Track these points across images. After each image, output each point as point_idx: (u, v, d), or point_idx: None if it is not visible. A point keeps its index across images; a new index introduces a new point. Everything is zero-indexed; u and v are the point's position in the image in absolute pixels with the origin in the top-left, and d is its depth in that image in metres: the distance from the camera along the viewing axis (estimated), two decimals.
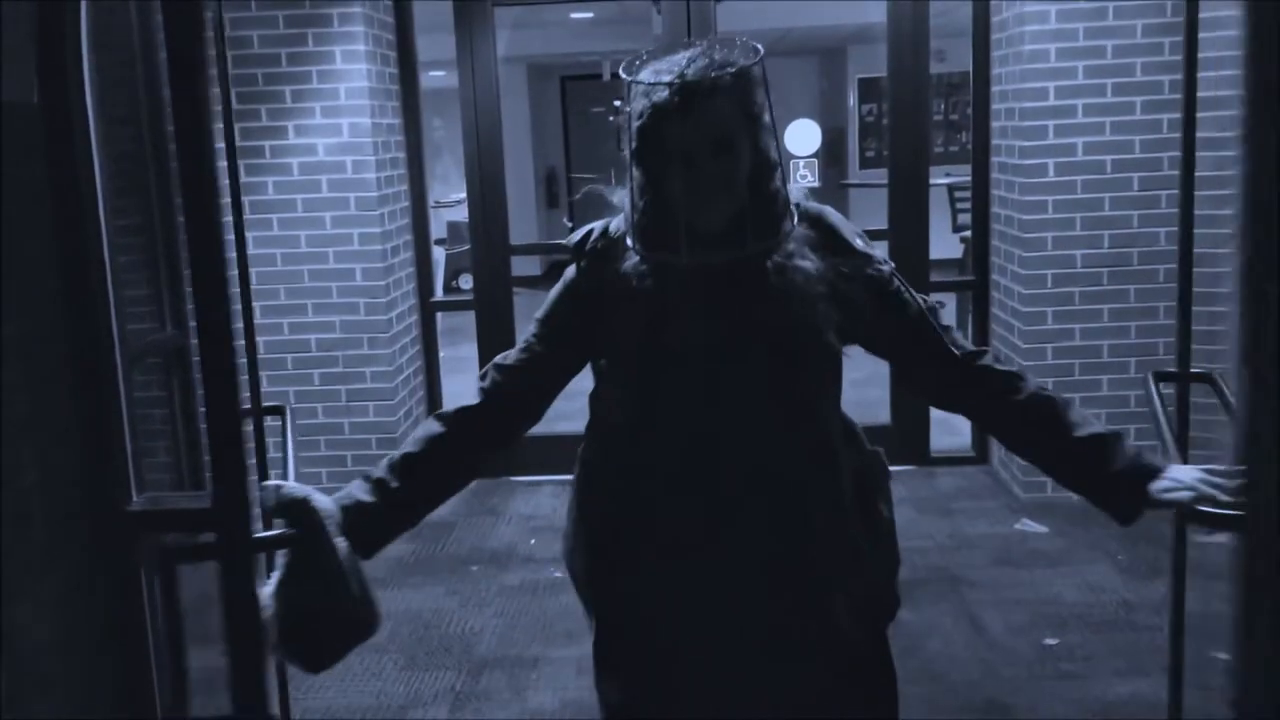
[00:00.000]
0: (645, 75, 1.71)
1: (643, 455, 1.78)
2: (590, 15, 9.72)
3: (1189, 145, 2.13)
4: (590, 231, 1.82)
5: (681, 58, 1.70)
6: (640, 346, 1.72)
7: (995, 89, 4.95)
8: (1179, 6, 4.43)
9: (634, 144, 1.72)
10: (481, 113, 5.27)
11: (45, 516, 2.20)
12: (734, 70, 1.68)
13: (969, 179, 5.27)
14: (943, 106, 11.91)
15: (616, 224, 1.80)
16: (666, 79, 1.66)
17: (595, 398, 1.88)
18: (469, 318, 5.50)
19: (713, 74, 1.65)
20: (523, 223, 11.81)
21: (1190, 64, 2.09)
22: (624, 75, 1.72)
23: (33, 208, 2.14)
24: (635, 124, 1.71)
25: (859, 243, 1.79)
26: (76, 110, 2.19)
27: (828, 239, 1.78)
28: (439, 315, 5.62)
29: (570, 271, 1.84)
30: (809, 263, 1.72)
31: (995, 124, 4.97)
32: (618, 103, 1.75)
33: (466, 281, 10.17)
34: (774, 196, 1.73)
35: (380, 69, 4.87)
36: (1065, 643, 3.54)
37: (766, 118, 1.72)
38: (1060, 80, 4.54)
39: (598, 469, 1.89)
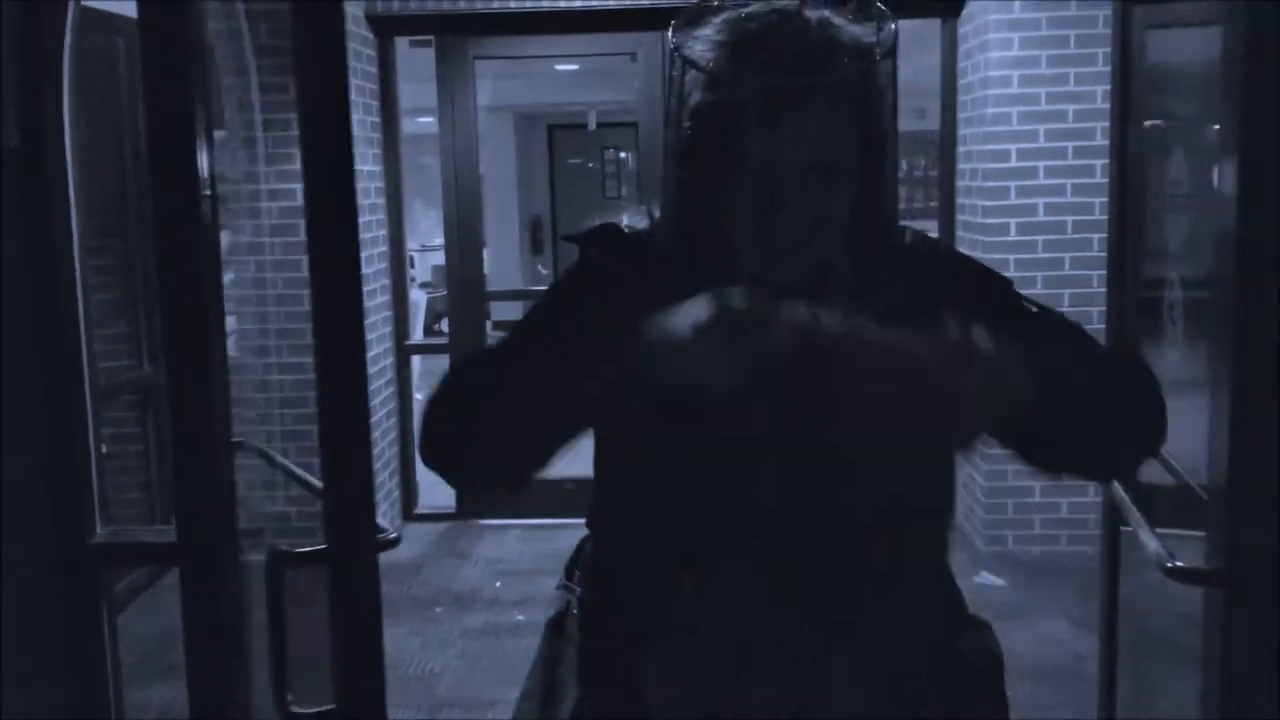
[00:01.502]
0: (705, 45, 1.12)
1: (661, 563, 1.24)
2: (575, 67, 9.90)
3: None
4: (607, 225, 1.28)
5: (768, 12, 1.12)
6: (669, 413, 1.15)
7: (960, 149, 5.10)
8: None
9: (681, 143, 1.16)
10: (460, 161, 5.39)
11: (10, 547, 2.26)
12: (858, 55, 1.11)
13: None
14: (923, 163, 12.12)
15: (634, 221, 1.27)
16: (745, 65, 1.09)
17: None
18: (446, 361, 5.59)
19: (823, 63, 1.09)
20: (506, 269, 11.92)
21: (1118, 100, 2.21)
22: (672, 38, 1.14)
23: (6, 247, 2.22)
24: (685, 119, 1.15)
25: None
26: (54, 153, 2.29)
27: (947, 272, 1.27)
28: (416, 359, 5.70)
29: (573, 266, 1.30)
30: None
31: (960, 184, 5.11)
32: (673, 74, 1.17)
33: (447, 325, 10.27)
34: (882, 239, 1.21)
35: (362, 117, 4.99)
36: (1015, 692, 3.58)
37: (891, 121, 1.16)
38: (1022, 143, 4.68)
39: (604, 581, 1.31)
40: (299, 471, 3.64)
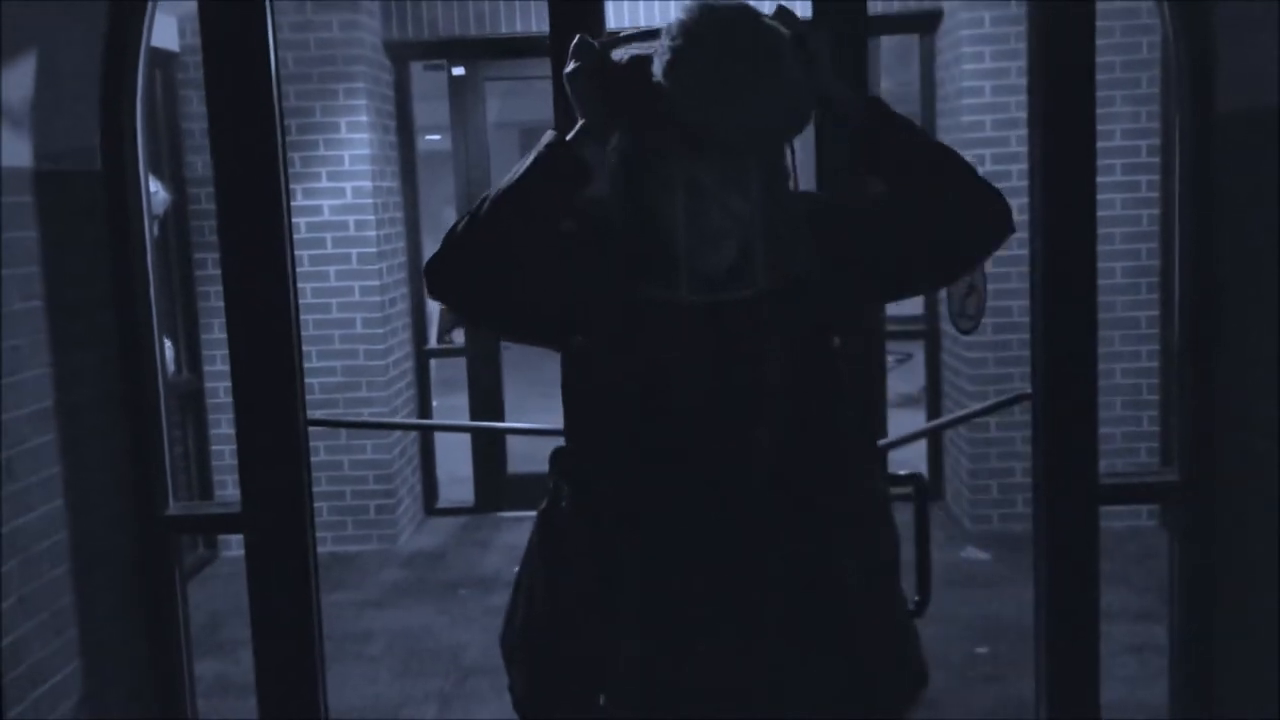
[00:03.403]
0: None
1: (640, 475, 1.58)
2: None
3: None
4: None
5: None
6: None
7: None
8: (1104, 81, 4.91)
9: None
10: (473, 175, 5.76)
11: (97, 518, 2.61)
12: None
13: None
14: None
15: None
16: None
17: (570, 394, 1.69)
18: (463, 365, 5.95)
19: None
20: None
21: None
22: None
23: (89, 262, 2.57)
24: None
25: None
26: (132, 175, 2.64)
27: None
28: (434, 364, 6.05)
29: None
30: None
31: None
32: None
33: (460, 336, 10.59)
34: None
35: (381, 137, 5.35)
36: (994, 651, 3.93)
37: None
38: (995, 148, 5.02)
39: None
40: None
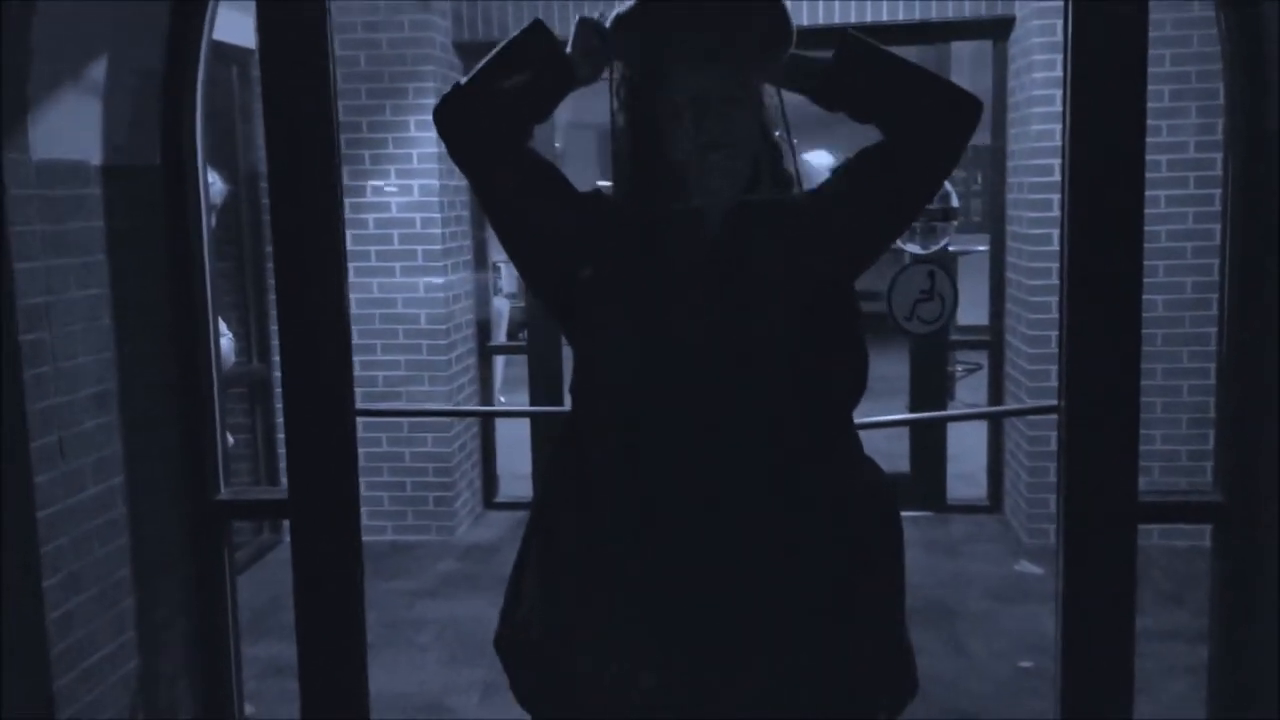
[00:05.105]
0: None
1: (628, 463, 1.59)
2: None
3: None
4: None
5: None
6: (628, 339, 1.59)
7: (1009, 164, 5.37)
8: (1177, 91, 4.84)
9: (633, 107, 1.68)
10: None
11: (152, 503, 2.71)
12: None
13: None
14: (979, 177, 12.21)
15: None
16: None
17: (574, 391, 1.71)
18: (525, 362, 6.02)
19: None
20: None
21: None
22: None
23: (151, 253, 2.68)
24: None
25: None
26: (190, 171, 2.75)
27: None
28: (501, 361, 6.13)
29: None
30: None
31: (1009, 196, 5.39)
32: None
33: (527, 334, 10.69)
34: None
35: None
36: (1039, 665, 3.88)
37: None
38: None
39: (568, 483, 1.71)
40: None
